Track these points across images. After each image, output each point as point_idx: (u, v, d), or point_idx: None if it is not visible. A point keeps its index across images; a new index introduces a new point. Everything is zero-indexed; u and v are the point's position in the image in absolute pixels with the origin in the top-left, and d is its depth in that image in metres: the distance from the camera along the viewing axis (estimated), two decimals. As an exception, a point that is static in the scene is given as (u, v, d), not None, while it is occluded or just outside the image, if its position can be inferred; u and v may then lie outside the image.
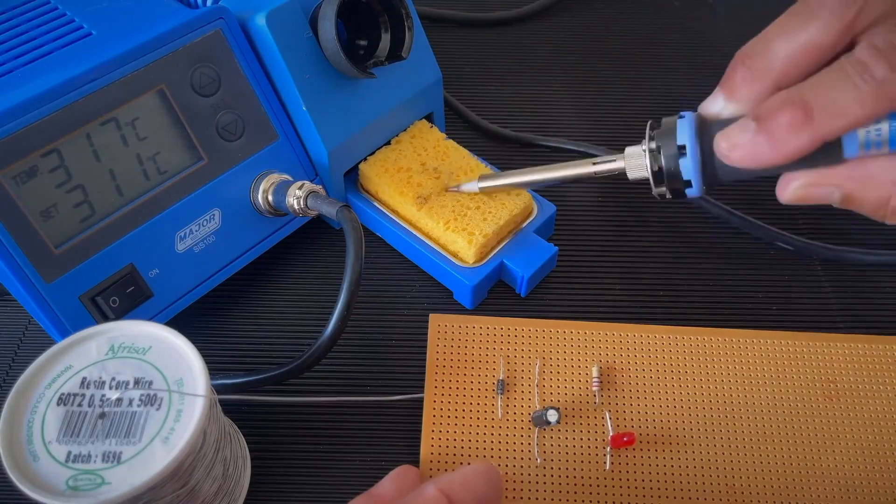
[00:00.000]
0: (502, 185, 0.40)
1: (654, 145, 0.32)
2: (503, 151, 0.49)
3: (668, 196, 0.33)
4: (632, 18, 0.59)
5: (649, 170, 0.33)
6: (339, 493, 0.34)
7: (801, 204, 0.29)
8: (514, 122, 0.51)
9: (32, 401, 0.28)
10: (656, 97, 0.53)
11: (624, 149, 0.34)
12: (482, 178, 0.41)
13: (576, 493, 0.33)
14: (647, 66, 0.55)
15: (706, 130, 0.31)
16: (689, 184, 0.32)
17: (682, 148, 0.31)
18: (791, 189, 0.29)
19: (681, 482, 0.33)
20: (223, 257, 0.39)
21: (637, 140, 0.34)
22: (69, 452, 0.27)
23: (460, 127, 0.51)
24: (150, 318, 0.36)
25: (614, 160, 0.35)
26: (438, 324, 0.37)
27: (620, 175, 0.35)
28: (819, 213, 0.45)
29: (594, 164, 0.36)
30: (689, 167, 0.31)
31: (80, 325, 0.33)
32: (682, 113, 0.32)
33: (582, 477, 0.33)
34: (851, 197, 0.28)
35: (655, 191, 0.33)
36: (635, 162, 0.34)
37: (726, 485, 0.33)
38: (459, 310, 0.41)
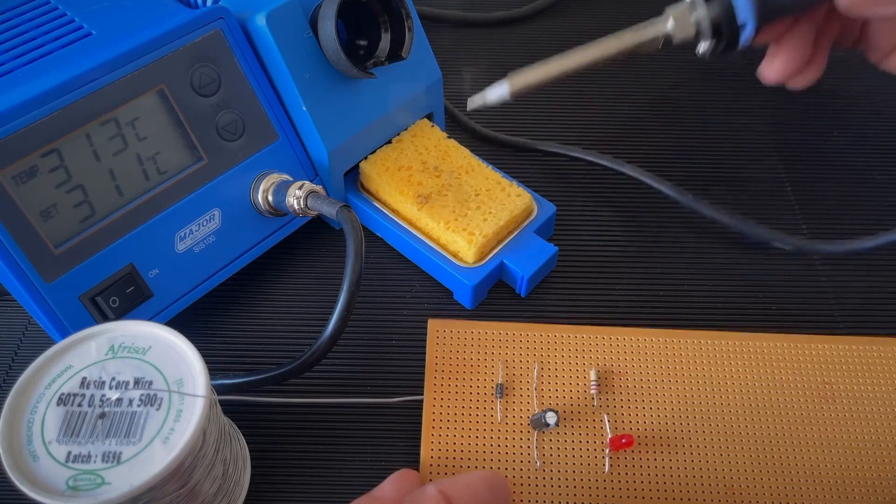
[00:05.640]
0: (538, 79, 0.36)
1: None
2: (502, 154, 0.49)
3: (717, 50, 0.33)
4: (632, 18, 0.59)
5: (705, 16, 0.32)
6: (339, 493, 0.34)
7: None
8: (514, 123, 0.51)
9: (32, 401, 0.28)
10: (655, 98, 0.53)
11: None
12: (511, 75, 0.36)
13: (575, 495, 0.33)
14: (646, 66, 0.55)
15: None
16: (741, 29, 0.32)
17: None
18: None
19: (679, 484, 0.33)
20: (223, 257, 0.39)
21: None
22: (69, 452, 0.27)
23: (460, 127, 0.51)
24: (150, 318, 0.36)
25: (657, 22, 0.34)
26: (437, 329, 0.37)
27: (665, 40, 0.34)
28: (819, 215, 0.45)
29: (635, 31, 0.34)
30: (742, 3, 0.31)
31: (80, 325, 0.33)
32: None
33: (581, 479, 0.33)
34: None
35: (703, 47, 0.33)
36: (680, 13, 0.33)
37: (725, 487, 0.33)
38: (459, 310, 0.41)
